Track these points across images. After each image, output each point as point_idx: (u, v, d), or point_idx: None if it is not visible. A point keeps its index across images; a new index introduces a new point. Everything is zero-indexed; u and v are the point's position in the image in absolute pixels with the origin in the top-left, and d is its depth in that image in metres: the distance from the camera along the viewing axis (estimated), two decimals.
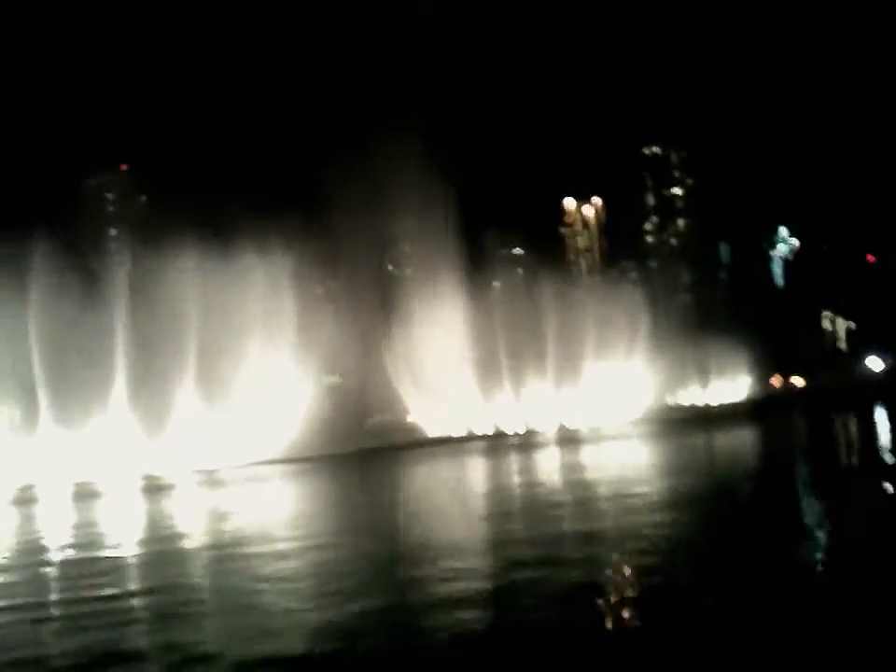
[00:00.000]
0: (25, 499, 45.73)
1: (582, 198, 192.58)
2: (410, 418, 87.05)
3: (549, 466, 41.41)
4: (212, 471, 53.54)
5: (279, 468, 51.22)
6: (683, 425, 65.28)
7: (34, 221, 62.73)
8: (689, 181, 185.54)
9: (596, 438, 60.96)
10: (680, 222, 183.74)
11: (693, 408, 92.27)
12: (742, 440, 48.43)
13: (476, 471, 41.24)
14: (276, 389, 61.26)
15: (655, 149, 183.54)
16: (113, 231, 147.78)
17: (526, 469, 39.97)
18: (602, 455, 46.22)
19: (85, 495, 45.46)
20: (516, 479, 34.55)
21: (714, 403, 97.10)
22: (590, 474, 33.86)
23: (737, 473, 29.35)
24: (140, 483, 50.43)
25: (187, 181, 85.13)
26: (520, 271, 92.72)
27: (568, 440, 61.14)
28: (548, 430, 75.96)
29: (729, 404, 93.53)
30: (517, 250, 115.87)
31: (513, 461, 46.66)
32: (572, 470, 36.45)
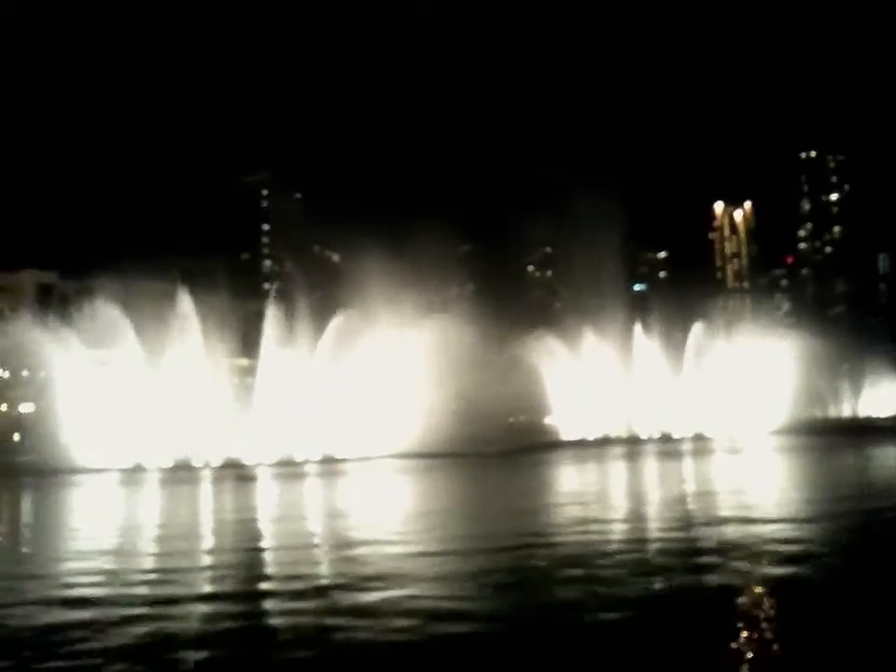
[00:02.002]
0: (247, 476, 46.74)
1: (733, 202, 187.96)
2: (548, 419, 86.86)
3: (705, 474, 39.90)
4: (368, 458, 54.66)
5: (410, 462, 51.82)
6: (829, 438, 62.74)
7: (187, 218, 65.48)
8: (846, 187, 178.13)
9: (735, 448, 59.34)
10: (836, 229, 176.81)
11: (842, 421, 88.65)
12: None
13: (642, 477, 40.00)
14: (407, 385, 62.01)
15: (812, 153, 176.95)
16: (266, 227, 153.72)
17: (682, 477, 38.63)
18: (746, 466, 44.92)
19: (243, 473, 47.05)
20: (683, 486, 32.82)
21: (867, 416, 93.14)
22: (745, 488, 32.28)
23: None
24: (296, 466, 51.88)
25: (340, 180, 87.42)
26: (662, 274, 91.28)
27: (706, 448, 59.62)
28: (684, 436, 74.53)
29: (883, 418, 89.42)
30: (662, 253, 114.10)
31: (668, 467, 45.32)
32: (732, 482, 35.10)
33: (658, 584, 13.77)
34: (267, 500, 34.07)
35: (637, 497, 28.53)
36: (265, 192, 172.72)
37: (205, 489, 40.22)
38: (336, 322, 63.40)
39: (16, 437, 74.90)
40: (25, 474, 50.44)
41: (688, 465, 46.19)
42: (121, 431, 56.01)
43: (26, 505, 35.80)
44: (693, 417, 77.25)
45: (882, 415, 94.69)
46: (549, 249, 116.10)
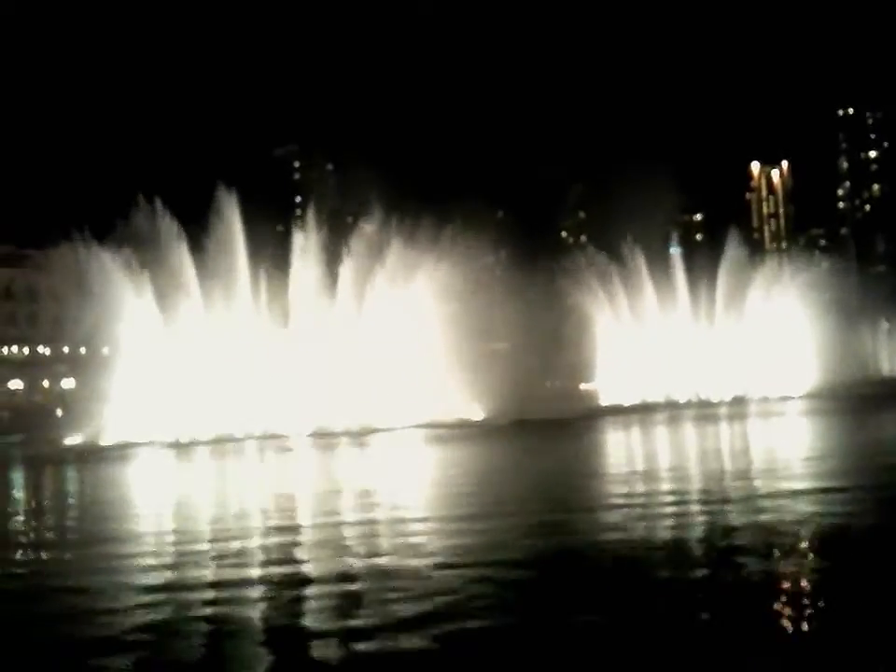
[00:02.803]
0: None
1: (769, 162, 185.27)
2: (584, 385, 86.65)
3: (758, 438, 39.39)
4: (394, 429, 54.74)
5: (442, 432, 51.74)
6: (868, 399, 62.00)
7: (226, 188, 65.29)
8: (885, 144, 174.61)
9: (768, 410, 58.92)
10: (875, 187, 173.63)
11: (881, 382, 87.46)
12: None
13: (712, 441, 39.19)
14: (439, 355, 61.94)
15: (850, 110, 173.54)
16: (298, 199, 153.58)
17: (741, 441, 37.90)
18: (791, 428, 44.54)
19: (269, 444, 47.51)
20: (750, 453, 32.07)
21: None
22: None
23: None
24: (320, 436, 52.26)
25: (371, 152, 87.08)
26: (699, 236, 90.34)
27: (742, 412, 59.17)
28: (722, 399, 74.08)
29: None
30: (698, 216, 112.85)
31: (718, 431, 44.56)
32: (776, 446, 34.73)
33: None
34: (330, 471, 34.12)
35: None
36: (297, 164, 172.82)
37: (262, 461, 40.49)
38: (373, 285, 63.58)
39: (58, 412, 76.10)
40: (71, 451, 51.26)
41: (746, 429, 45.56)
42: (162, 404, 56.62)
43: (95, 482, 36.09)
44: (730, 379, 76.68)
45: None
46: (582, 214, 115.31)
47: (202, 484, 30.79)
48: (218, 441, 52.05)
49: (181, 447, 50.10)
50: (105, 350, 64.42)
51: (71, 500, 27.76)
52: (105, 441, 54.11)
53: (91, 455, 46.33)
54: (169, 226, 61.81)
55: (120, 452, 48.01)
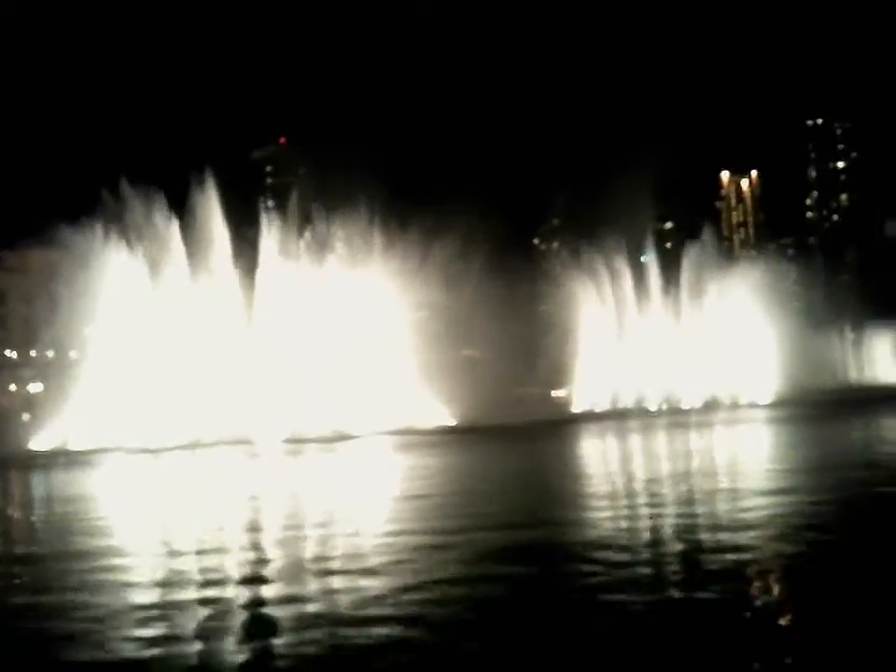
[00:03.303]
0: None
1: (739, 171, 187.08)
2: (555, 392, 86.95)
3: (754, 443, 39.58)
4: (394, 432, 54.64)
5: (412, 438, 51.75)
6: (832, 407, 62.82)
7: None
8: (854, 154, 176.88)
9: (736, 417, 59.53)
10: (843, 197, 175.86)
11: (847, 389, 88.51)
12: None
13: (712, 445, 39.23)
14: (408, 360, 61.98)
15: (819, 121, 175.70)
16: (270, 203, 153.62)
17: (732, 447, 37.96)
18: (757, 433, 45.00)
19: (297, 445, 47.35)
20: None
21: (874, 383, 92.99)
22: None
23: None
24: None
25: (346, 155, 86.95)
26: (669, 245, 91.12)
27: (710, 419, 59.71)
28: (692, 405, 74.72)
29: (880, 387, 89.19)
30: (668, 224, 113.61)
31: (712, 436, 44.68)
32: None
33: None
34: (289, 478, 34.10)
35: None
36: (269, 168, 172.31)
37: (227, 468, 40.32)
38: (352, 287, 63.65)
39: (25, 417, 75.38)
40: (37, 456, 50.74)
41: (721, 435, 45.91)
42: (131, 408, 56.21)
43: (58, 488, 35.75)
44: (700, 386, 77.33)
45: (890, 382, 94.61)
46: (556, 222, 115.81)
47: (158, 492, 30.58)
48: (187, 447, 51.75)
49: (149, 453, 49.76)
50: (73, 354, 63.92)
51: (32, 509, 27.57)
52: (73, 446, 53.66)
53: (57, 461, 45.93)
54: (147, 224, 61.60)
55: (87, 457, 47.61)
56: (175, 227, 62.35)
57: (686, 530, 15.62)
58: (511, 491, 23.01)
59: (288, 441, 53.38)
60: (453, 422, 60.80)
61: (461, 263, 69.76)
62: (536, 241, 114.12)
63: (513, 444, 43.18)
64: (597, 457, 35.65)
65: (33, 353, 79.74)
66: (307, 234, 66.31)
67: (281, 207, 71.19)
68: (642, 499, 20.26)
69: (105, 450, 51.05)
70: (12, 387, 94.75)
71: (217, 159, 68.88)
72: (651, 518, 17.31)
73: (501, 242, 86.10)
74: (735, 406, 74.01)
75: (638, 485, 23.08)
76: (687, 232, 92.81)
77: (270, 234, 65.69)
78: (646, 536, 15.59)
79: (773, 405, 72.02)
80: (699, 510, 18.19)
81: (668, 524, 16.54)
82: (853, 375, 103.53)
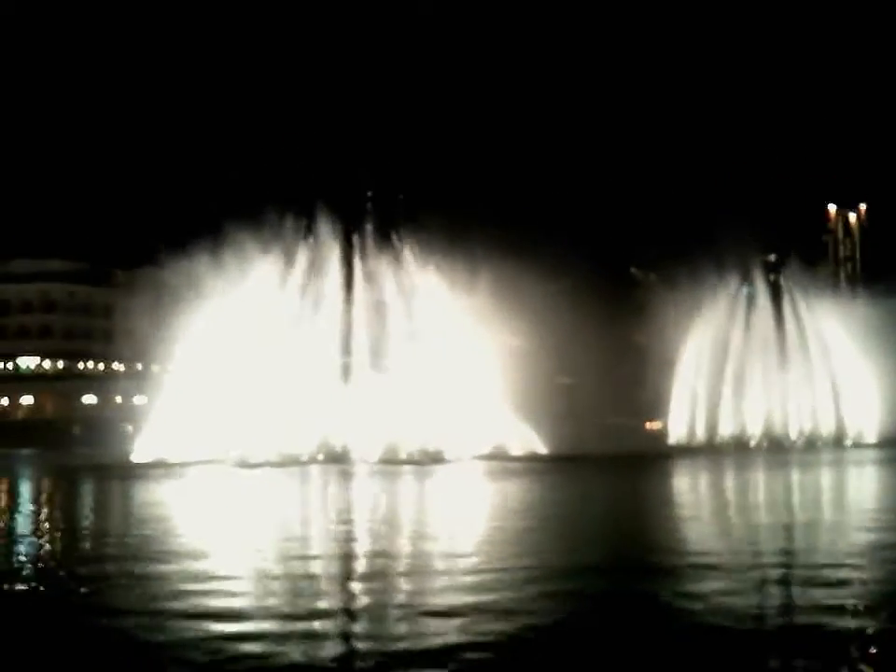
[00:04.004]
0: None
1: (847, 205, 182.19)
2: (649, 424, 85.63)
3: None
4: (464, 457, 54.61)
5: (506, 464, 51.53)
6: None
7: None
8: None
9: (841, 457, 57.62)
10: None
11: None
12: None
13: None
14: (503, 386, 61.74)
15: None
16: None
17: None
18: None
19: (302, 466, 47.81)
20: None
21: None
22: None
23: None
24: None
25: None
26: (772, 277, 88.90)
27: (814, 458, 57.92)
28: (793, 442, 72.71)
29: None
30: (772, 256, 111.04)
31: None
32: None
33: None
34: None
35: None
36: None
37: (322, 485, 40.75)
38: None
39: (129, 428, 77.58)
40: (136, 467, 52.13)
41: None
42: (224, 422, 57.18)
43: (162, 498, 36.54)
44: (799, 422, 75.18)
45: None
46: (655, 251, 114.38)
47: (262, 504, 31.08)
48: (282, 463, 52.60)
49: (245, 465, 50.76)
50: (177, 369, 65.49)
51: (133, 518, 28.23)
52: (172, 458, 54.95)
53: (153, 471, 47.15)
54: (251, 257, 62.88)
55: (184, 469, 48.71)
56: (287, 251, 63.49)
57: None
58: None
59: (383, 461, 53.81)
60: (544, 450, 60.38)
61: (558, 290, 69.45)
62: (633, 270, 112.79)
63: (604, 476, 42.47)
64: (691, 496, 34.52)
65: (139, 366, 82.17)
66: (404, 257, 66.75)
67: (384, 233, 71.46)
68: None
69: (203, 462, 52.16)
70: (118, 399, 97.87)
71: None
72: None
73: (598, 269, 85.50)
74: (839, 444, 71.68)
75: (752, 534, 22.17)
76: (793, 266, 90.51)
77: (373, 257, 66.45)
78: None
79: (878, 445, 69.49)
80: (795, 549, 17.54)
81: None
82: None
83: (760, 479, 40.12)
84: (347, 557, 17.05)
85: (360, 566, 16.13)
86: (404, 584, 14.12)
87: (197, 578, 14.49)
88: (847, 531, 19.80)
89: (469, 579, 13.97)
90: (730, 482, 39.63)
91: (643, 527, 21.34)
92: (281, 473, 46.33)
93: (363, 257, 66.43)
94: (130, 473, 46.61)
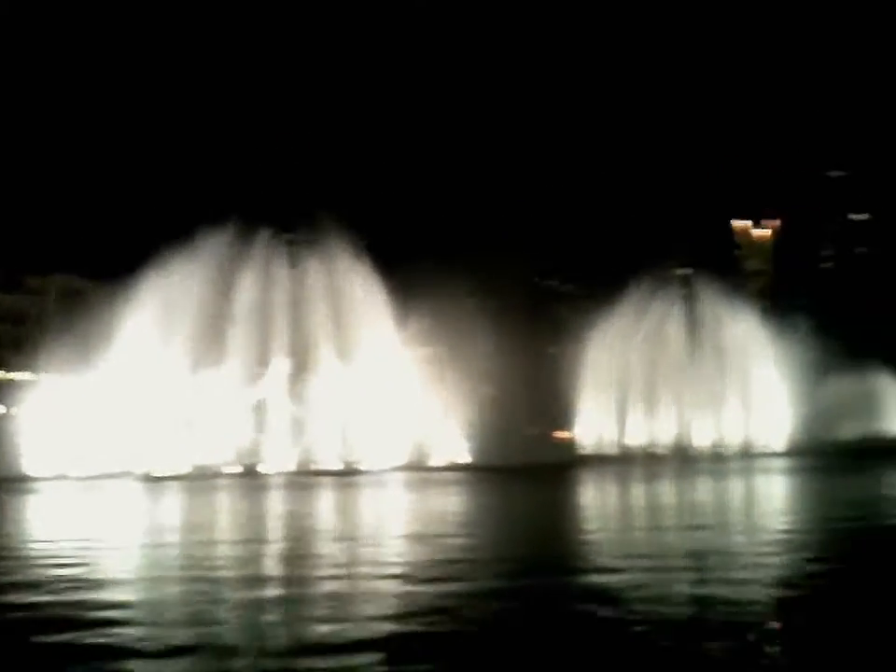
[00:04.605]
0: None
1: (757, 220, 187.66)
2: (560, 433, 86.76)
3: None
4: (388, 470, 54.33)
5: (425, 474, 51.69)
6: (838, 458, 62.42)
7: None
8: (872, 207, 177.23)
9: (751, 463, 59.20)
10: (862, 250, 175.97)
11: (851, 441, 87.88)
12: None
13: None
14: (419, 396, 61.98)
15: (839, 172, 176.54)
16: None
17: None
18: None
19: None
20: None
21: (875, 438, 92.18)
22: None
23: None
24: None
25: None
26: (684, 290, 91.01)
27: (719, 467, 59.36)
28: (702, 451, 74.43)
29: (891, 439, 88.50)
30: (683, 270, 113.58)
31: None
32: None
33: None
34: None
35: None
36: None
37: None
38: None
39: None
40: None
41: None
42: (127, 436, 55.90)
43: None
44: (707, 432, 77.08)
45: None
46: (568, 263, 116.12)
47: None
48: (190, 476, 51.90)
49: (149, 479, 49.94)
50: (79, 380, 63.65)
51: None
52: (70, 471, 53.47)
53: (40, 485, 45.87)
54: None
55: (81, 483, 47.45)
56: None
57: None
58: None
59: (298, 473, 53.41)
60: (463, 460, 60.76)
61: (478, 303, 70.09)
62: (550, 282, 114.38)
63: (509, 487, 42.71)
64: (599, 507, 34.64)
65: (45, 375, 79.96)
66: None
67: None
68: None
69: (105, 476, 51.10)
70: (16, 409, 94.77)
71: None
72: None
73: (512, 280, 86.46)
74: (746, 454, 73.69)
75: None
76: (704, 279, 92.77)
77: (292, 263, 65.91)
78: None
79: (786, 454, 71.66)
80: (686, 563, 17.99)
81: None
82: (867, 426, 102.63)
83: (659, 490, 40.74)
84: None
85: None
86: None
87: None
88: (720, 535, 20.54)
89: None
90: (629, 493, 40.19)
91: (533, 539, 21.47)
92: (183, 487, 45.36)
93: (281, 264, 66.00)
94: (14, 487, 44.95)
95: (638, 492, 39.97)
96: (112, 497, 39.56)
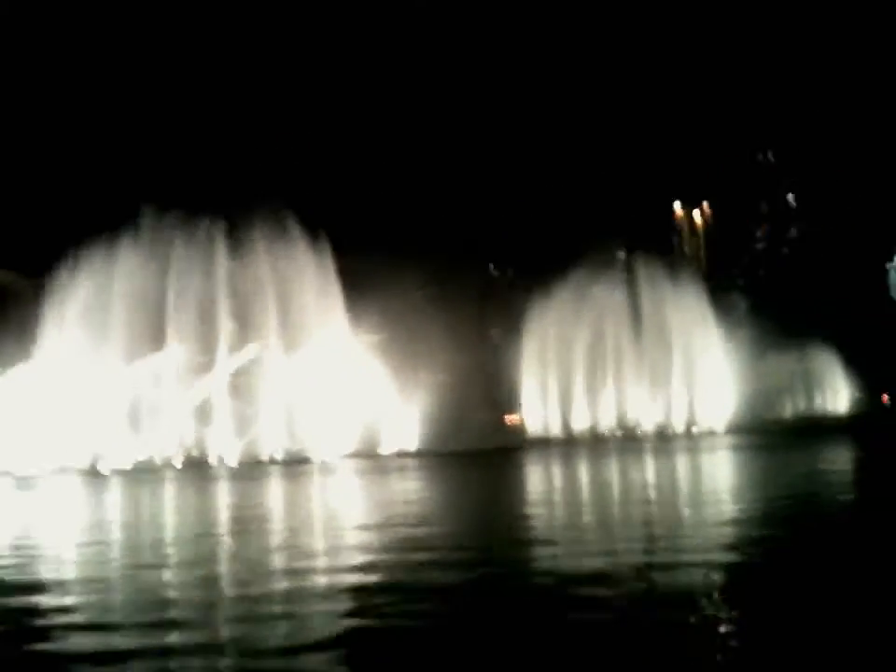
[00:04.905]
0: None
1: (692, 202, 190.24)
2: (510, 417, 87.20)
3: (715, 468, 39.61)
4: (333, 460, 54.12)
5: (380, 462, 51.65)
6: (779, 436, 63.85)
7: None
8: (803, 187, 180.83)
9: (695, 442, 60.16)
10: (794, 231, 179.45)
11: (792, 419, 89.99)
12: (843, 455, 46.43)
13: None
14: (370, 384, 61.75)
15: (770, 155, 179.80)
16: None
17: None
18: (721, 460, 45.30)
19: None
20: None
21: (823, 413, 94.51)
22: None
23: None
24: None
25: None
26: (622, 273, 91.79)
27: (665, 446, 60.30)
28: (647, 432, 75.50)
29: (830, 417, 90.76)
30: (621, 254, 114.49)
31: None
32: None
33: None
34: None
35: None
36: None
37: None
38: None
39: None
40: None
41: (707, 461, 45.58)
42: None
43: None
44: (653, 412, 78.18)
45: (839, 412, 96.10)
46: (510, 247, 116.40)
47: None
48: (133, 471, 51.22)
49: (91, 474, 49.18)
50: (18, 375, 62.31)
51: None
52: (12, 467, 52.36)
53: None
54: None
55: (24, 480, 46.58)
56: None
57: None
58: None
59: (246, 463, 52.92)
60: (412, 447, 60.74)
61: (423, 287, 69.90)
62: (491, 266, 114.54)
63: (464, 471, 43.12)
64: (549, 487, 35.14)
65: None
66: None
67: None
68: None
69: (43, 473, 50.06)
70: None
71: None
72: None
73: (457, 266, 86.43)
74: (689, 433, 74.88)
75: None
76: (643, 261, 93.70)
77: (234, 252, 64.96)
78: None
79: (727, 432, 72.95)
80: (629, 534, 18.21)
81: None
82: (807, 403, 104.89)
83: (603, 468, 41.48)
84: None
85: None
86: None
87: None
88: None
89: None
90: (574, 471, 40.89)
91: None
92: (128, 481, 44.63)
93: (224, 252, 64.95)
94: None
95: (582, 472, 40.66)
96: (54, 494, 38.80)
